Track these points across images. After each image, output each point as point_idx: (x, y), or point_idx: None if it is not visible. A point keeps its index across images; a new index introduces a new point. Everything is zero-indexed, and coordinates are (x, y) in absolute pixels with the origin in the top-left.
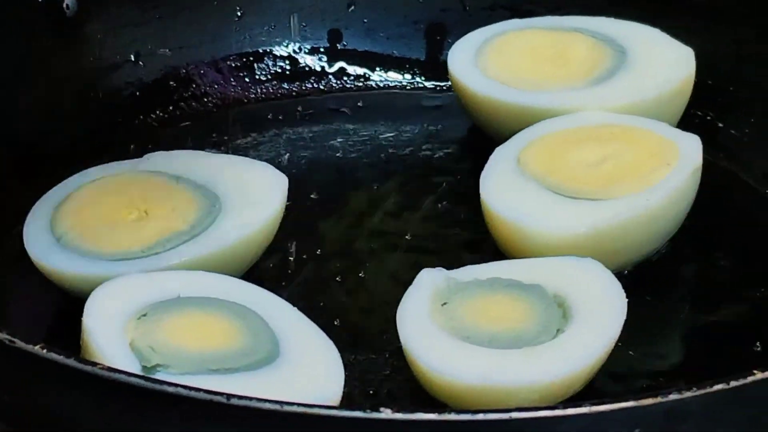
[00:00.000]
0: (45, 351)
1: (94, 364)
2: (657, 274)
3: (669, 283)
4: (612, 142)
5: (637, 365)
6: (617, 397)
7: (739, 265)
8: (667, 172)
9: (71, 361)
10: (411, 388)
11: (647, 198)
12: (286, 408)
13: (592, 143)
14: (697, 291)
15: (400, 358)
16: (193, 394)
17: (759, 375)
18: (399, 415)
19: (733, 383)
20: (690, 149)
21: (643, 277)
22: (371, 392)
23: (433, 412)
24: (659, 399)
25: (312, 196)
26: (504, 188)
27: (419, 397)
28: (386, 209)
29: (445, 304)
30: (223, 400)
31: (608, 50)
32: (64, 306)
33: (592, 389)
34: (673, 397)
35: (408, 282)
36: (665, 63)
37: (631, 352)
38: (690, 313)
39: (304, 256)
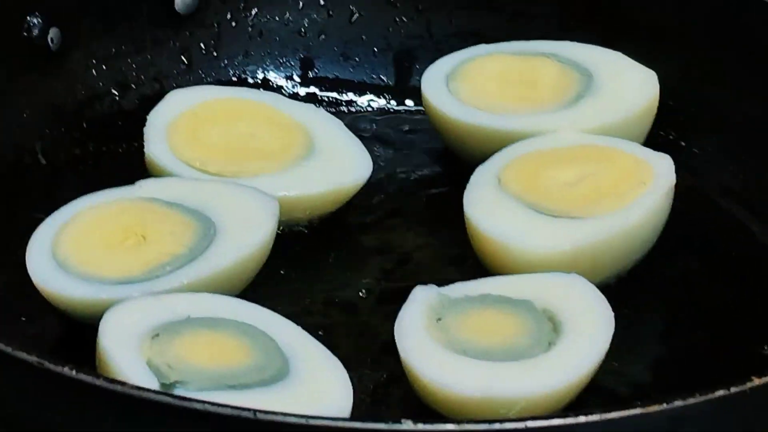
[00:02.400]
0: (74, 372)
1: (123, 383)
2: (635, 288)
3: (647, 297)
4: (587, 162)
5: (620, 376)
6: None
7: (709, 273)
8: (643, 191)
9: (100, 382)
10: (412, 402)
11: (626, 217)
12: (312, 422)
13: (568, 163)
14: (674, 302)
15: (399, 372)
16: (220, 410)
17: (757, 381)
18: (421, 426)
19: (733, 389)
20: (663, 168)
21: (622, 292)
22: (376, 407)
23: (452, 423)
24: (664, 406)
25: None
26: (488, 207)
27: (420, 410)
28: (370, 230)
29: (439, 319)
30: (250, 415)
31: (575, 74)
32: (65, 330)
33: (580, 401)
34: (677, 403)
35: (401, 300)
36: (631, 86)
37: (615, 363)
38: (669, 323)
39: (296, 277)
